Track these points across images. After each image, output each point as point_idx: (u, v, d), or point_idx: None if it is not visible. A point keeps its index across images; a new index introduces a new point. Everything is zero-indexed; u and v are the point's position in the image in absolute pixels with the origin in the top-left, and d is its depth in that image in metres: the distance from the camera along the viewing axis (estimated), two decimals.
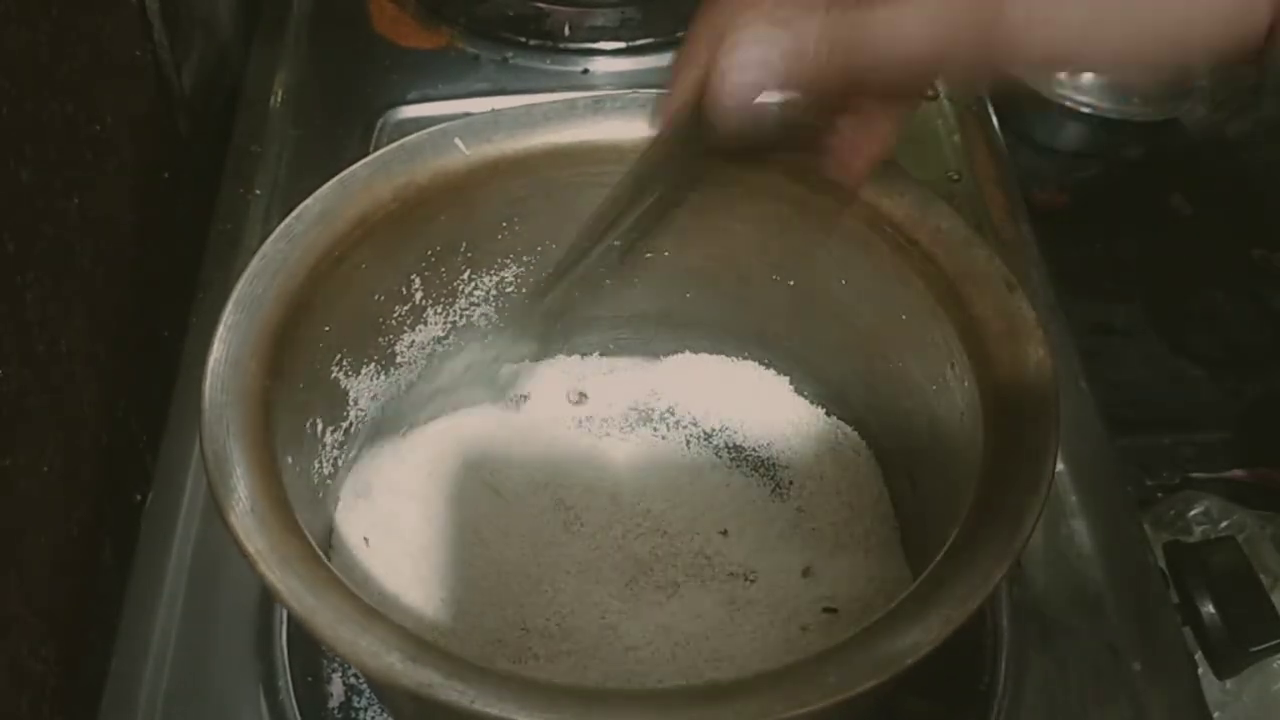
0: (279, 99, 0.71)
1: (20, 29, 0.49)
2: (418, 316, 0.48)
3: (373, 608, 0.34)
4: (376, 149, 0.53)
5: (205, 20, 0.73)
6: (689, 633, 0.46)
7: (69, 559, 0.51)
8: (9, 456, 0.46)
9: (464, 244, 0.47)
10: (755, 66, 0.33)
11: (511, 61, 0.73)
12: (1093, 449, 0.55)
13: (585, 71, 0.73)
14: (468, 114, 0.46)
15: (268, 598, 0.49)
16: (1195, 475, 0.89)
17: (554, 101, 0.46)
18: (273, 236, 0.41)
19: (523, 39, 0.73)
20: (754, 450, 0.52)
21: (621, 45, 0.74)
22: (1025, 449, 0.37)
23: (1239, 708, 0.70)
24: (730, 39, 0.34)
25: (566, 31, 0.74)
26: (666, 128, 0.41)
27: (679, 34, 0.73)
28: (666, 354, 0.54)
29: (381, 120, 0.69)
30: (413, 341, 0.48)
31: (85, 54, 0.56)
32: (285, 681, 0.47)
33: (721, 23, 0.35)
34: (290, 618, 0.48)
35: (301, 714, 0.47)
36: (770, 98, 0.34)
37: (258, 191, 0.66)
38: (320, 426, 0.44)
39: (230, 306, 0.39)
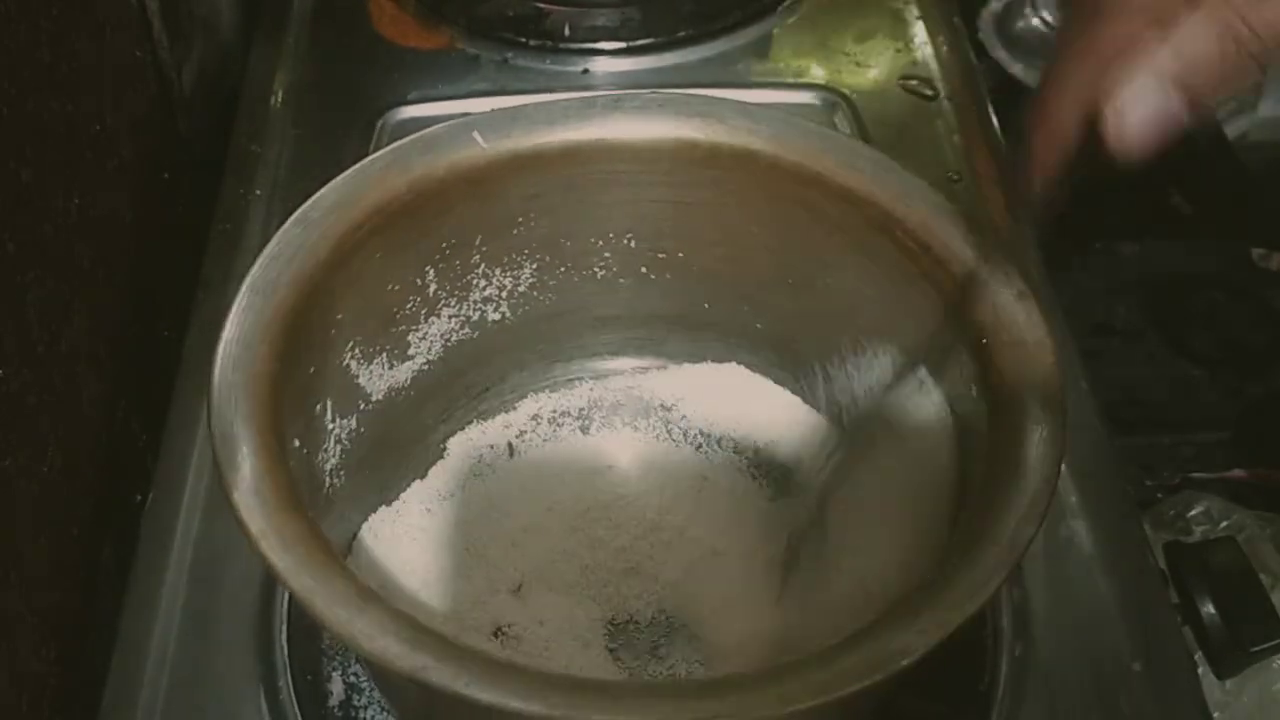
0: (279, 99, 0.71)
1: (20, 29, 0.49)
2: (431, 308, 0.48)
3: (371, 590, 0.34)
4: (376, 149, 0.53)
5: (205, 20, 0.73)
6: (697, 635, 0.46)
7: (69, 559, 0.51)
8: (9, 456, 0.46)
9: (479, 238, 0.47)
10: (1153, 97, 0.32)
11: (511, 62, 0.73)
12: (1093, 449, 0.55)
13: (585, 71, 0.73)
14: (468, 114, 0.46)
15: (268, 597, 0.49)
16: (1195, 475, 0.89)
17: (572, 99, 0.47)
18: (289, 222, 0.42)
19: (523, 39, 0.74)
20: (761, 454, 0.52)
21: (621, 45, 0.74)
22: (1029, 460, 0.37)
23: (1239, 708, 0.70)
24: (1114, 85, 0.32)
25: (566, 32, 0.74)
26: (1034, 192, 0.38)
27: (679, 34, 0.74)
28: (679, 356, 0.54)
29: (381, 120, 0.69)
30: (426, 333, 0.49)
31: (85, 54, 0.56)
32: (285, 681, 0.47)
33: (1093, 72, 0.33)
34: (290, 614, 0.48)
35: (301, 713, 0.47)
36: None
37: (258, 191, 0.66)
38: (330, 412, 0.44)
39: (244, 289, 0.39)
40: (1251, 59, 0.32)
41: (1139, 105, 0.32)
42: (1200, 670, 0.51)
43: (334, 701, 0.47)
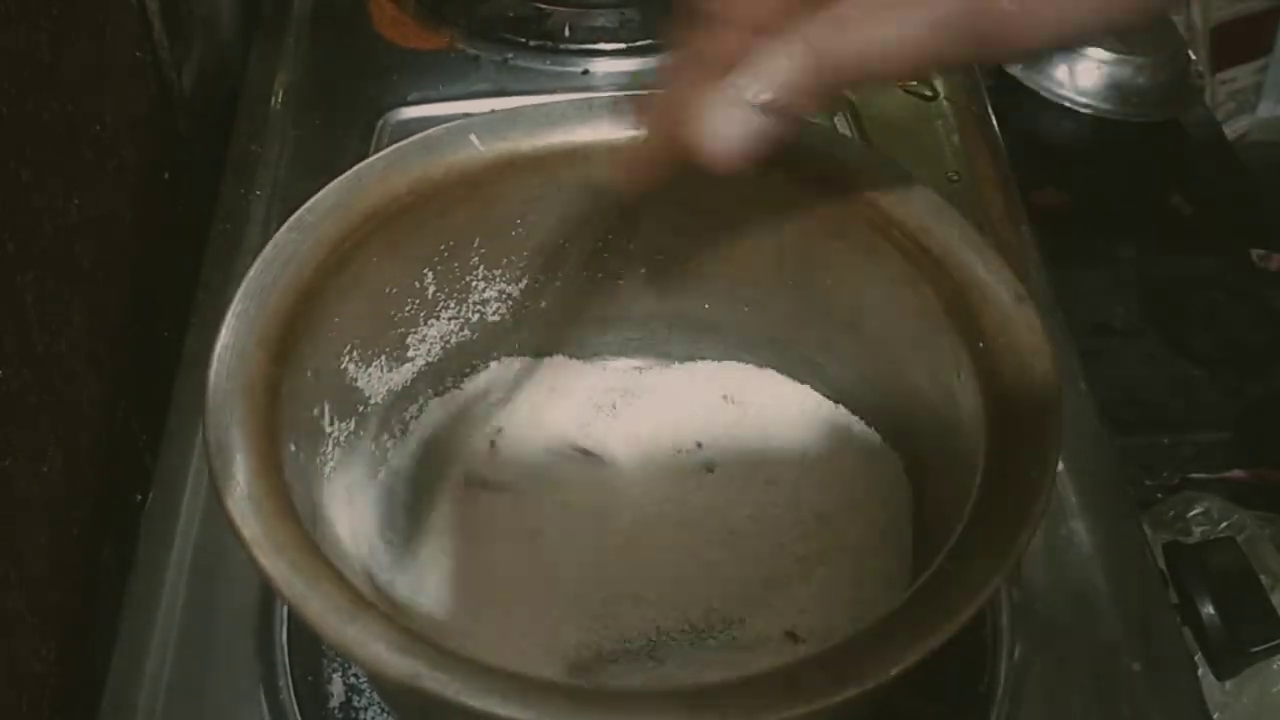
0: (279, 99, 0.71)
1: (20, 29, 0.49)
2: (430, 310, 0.48)
3: (364, 597, 0.34)
4: (377, 149, 0.53)
5: (205, 20, 0.73)
6: (701, 636, 0.46)
7: (69, 559, 0.51)
8: (9, 456, 0.46)
9: (478, 240, 0.47)
10: (737, 126, 0.34)
11: (512, 62, 0.73)
12: (1093, 449, 0.55)
13: (585, 72, 0.73)
14: (468, 114, 0.46)
15: (268, 597, 0.49)
16: (1195, 475, 0.89)
17: (571, 101, 0.46)
18: (285, 226, 0.42)
19: (523, 40, 0.74)
20: (761, 456, 0.52)
21: (622, 46, 0.74)
22: (1023, 467, 0.37)
23: (1239, 708, 0.70)
24: (702, 110, 0.34)
25: (567, 32, 0.74)
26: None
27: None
28: (679, 357, 0.54)
29: (381, 121, 0.69)
30: (424, 336, 0.49)
31: (85, 54, 0.56)
32: (285, 681, 0.47)
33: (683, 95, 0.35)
34: (291, 614, 0.48)
35: (301, 714, 0.47)
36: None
37: (258, 192, 0.66)
38: (328, 417, 0.44)
39: (239, 294, 0.39)
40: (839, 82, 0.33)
41: (726, 127, 0.34)
42: (1200, 671, 0.51)
43: (334, 703, 0.47)
